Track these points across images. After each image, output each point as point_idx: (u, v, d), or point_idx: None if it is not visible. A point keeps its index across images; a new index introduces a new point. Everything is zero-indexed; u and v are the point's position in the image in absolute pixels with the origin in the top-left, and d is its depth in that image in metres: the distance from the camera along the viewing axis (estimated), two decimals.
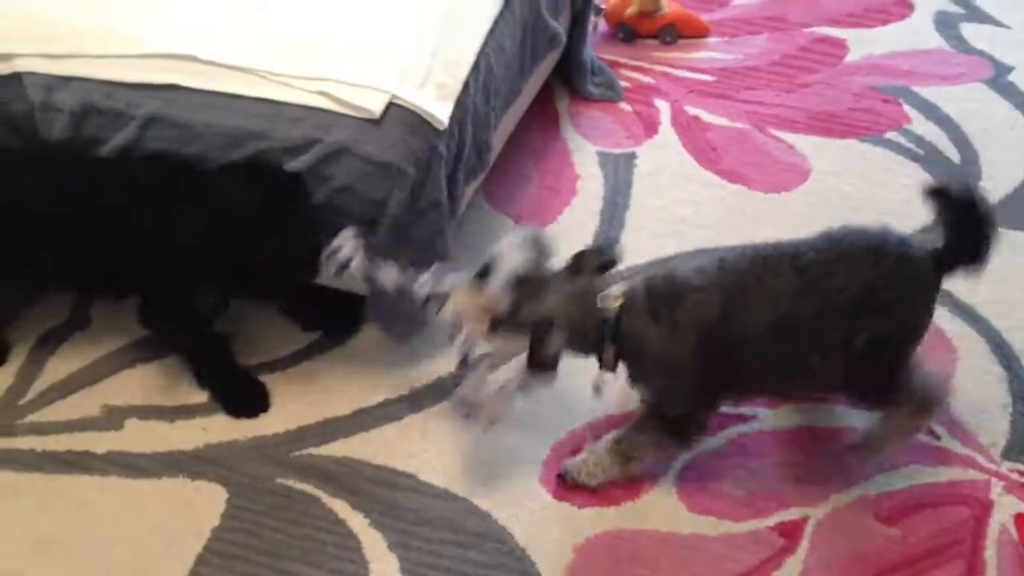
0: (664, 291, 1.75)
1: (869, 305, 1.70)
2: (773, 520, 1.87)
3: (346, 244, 1.88)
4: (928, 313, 1.80)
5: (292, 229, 1.92)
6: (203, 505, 1.94)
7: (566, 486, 1.92)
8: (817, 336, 1.72)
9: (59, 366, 2.19)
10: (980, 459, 1.93)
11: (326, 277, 1.97)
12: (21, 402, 2.12)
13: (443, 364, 2.14)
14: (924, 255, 1.73)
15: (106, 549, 1.89)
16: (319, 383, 2.14)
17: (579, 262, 1.77)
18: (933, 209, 1.75)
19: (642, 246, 2.34)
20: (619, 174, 2.56)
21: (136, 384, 2.16)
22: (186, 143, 1.98)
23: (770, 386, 1.87)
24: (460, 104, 2.00)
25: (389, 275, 1.88)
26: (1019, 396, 2.03)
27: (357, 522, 1.91)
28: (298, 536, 1.89)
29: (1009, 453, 1.94)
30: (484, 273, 1.74)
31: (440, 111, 1.93)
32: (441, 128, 1.92)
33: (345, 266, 1.89)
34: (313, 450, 2.02)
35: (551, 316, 1.70)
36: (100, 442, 2.05)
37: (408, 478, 1.96)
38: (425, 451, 2.01)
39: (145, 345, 2.21)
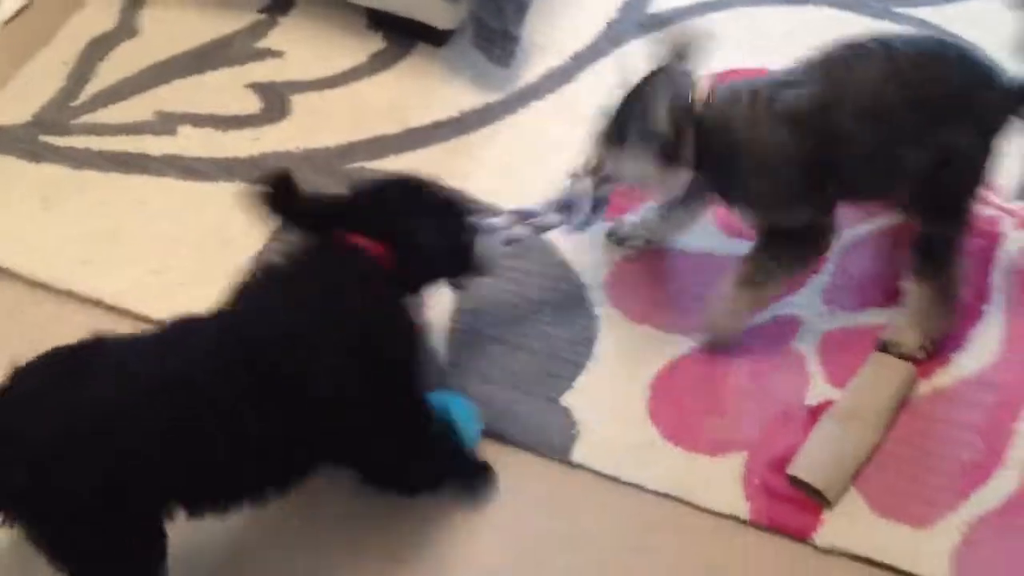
0: (753, 89, 1.69)
1: (944, 105, 1.68)
2: None
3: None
4: (994, 153, 1.77)
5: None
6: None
7: (709, 351, 1.88)
8: (905, 127, 1.69)
9: (110, 71, 2.24)
10: (992, 197, 2.01)
11: None
12: (74, 104, 2.18)
13: (493, 93, 2.21)
14: (1004, 80, 1.73)
15: (167, 243, 1.99)
16: (370, 102, 2.20)
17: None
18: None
19: None
20: None
21: (188, 93, 2.21)
22: None
23: (867, 184, 1.78)
24: None
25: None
26: None
27: None
28: None
29: (1023, 193, 2.05)
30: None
31: None
32: None
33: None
34: (364, 163, 2.10)
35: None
36: (155, 145, 2.12)
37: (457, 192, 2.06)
38: (473, 169, 2.10)
39: (195, 56, 2.26)
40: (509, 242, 1.83)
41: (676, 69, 1.70)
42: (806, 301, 1.92)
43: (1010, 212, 2.04)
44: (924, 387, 1.81)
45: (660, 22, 2.33)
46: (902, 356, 1.85)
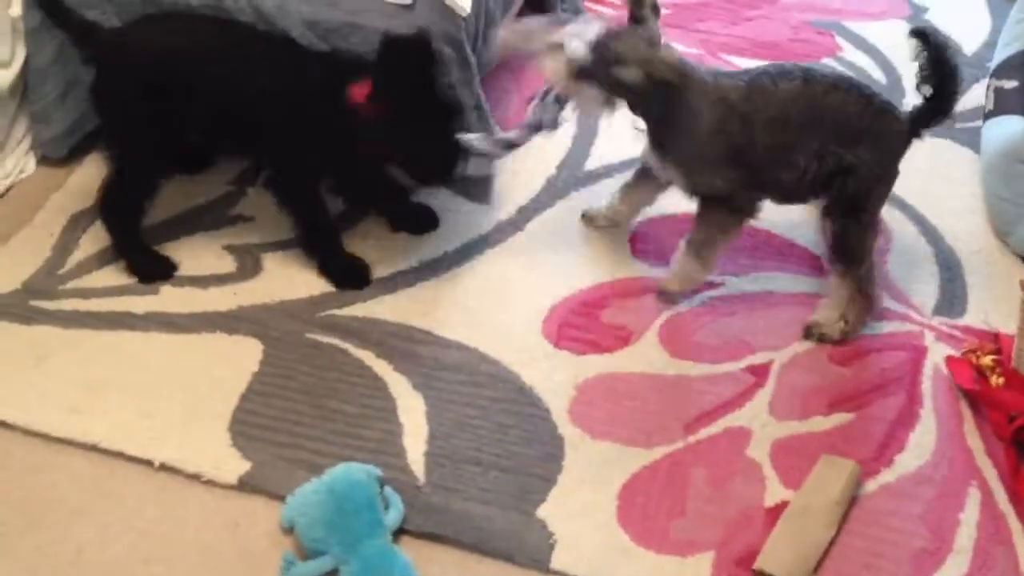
0: (699, 76, 2.06)
1: (847, 129, 2.03)
2: (744, 363, 2.17)
3: (476, 140, 2.19)
4: (893, 171, 2.13)
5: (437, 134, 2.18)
6: (241, 355, 2.16)
7: (667, 301, 2.29)
8: (804, 136, 2.04)
9: (92, 243, 2.38)
10: (914, 315, 2.26)
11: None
12: (60, 272, 2.31)
13: (448, 244, 2.41)
14: (903, 115, 2.09)
15: (156, 389, 2.09)
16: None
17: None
18: (915, 50, 2.03)
19: (613, 148, 2.64)
20: None
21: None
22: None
23: (769, 176, 2.11)
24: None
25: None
26: (944, 266, 2.38)
27: (382, 367, 2.14)
28: (330, 379, 2.12)
29: (938, 310, 2.28)
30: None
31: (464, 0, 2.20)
32: (464, 15, 2.18)
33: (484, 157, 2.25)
34: (336, 311, 2.25)
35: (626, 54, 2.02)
36: (138, 304, 2.25)
37: (424, 333, 2.21)
38: (437, 312, 2.26)
39: (171, 225, 2.42)
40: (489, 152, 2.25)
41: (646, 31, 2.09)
42: (753, 414, 2.08)
43: (930, 327, 2.24)
44: (871, 485, 1.96)
45: (595, 178, 2.57)
46: (823, 338, 2.20)
